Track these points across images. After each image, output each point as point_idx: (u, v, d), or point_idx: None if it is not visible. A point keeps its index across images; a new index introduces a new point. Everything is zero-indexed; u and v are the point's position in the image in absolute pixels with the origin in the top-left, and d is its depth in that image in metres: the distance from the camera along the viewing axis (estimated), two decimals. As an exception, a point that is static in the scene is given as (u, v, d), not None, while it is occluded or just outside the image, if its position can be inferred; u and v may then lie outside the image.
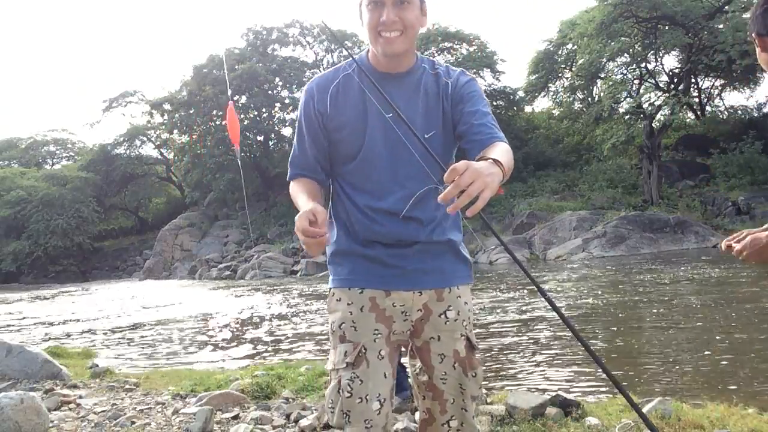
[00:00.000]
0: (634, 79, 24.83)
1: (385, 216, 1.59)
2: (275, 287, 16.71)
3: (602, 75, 25.46)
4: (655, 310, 7.89)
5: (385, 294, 1.59)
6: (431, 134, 1.59)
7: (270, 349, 7.35)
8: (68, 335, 9.50)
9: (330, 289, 1.68)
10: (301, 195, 1.60)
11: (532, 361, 5.61)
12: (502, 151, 1.46)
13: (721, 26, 20.94)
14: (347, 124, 1.61)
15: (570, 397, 3.38)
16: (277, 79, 33.88)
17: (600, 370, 1.28)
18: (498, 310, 8.87)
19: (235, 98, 32.99)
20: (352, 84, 1.62)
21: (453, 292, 1.65)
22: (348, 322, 1.58)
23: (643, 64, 24.29)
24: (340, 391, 1.55)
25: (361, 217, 1.61)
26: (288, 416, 3.52)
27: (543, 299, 1.38)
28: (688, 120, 28.92)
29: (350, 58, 1.64)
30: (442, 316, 1.62)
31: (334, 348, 1.61)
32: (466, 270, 1.70)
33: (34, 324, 11.38)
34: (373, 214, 1.60)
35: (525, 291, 10.83)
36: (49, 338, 9.12)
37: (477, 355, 1.69)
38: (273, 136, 34.68)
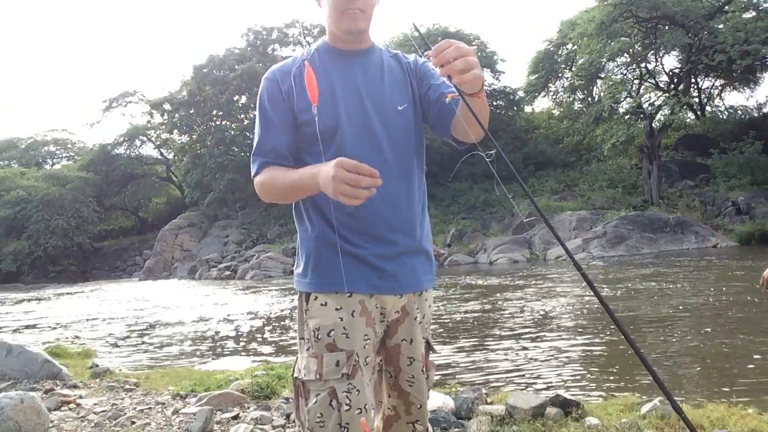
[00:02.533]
0: (634, 79, 24.86)
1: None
2: (275, 287, 16.72)
3: (602, 75, 25.47)
4: (654, 310, 7.89)
5: (369, 296, 1.54)
6: (403, 107, 1.58)
7: (270, 349, 7.35)
8: (68, 335, 9.50)
9: (306, 293, 1.56)
10: (290, 172, 1.50)
11: (532, 361, 5.61)
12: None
13: (721, 26, 20.95)
14: (319, 100, 1.53)
15: (570, 397, 3.38)
16: (277, 79, 33.86)
17: (645, 370, 1.28)
18: (497, 311, 8.88)
19: (235, 98, 33.04)
20: (313, 66, 1.54)
21: (423, 295, 1.65)
22: (338, 329, 1.49)
23: (643, 64, 24.31)
24: (334, 404, 1.45)
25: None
26: (288, 416, 3.52)
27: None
28: (688, 120, 28.94)
29: (308, 46, 1.65)
30: (415, 319, 1.63)
31: (315, 356, 1.49)
32: (432, 273, 1.70)
33: (35, 324, 11.38)
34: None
35: (524, 291, 10.83)
36: (50, 338, 9.12)
37: (431, 357, 1.71)
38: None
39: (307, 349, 1.53)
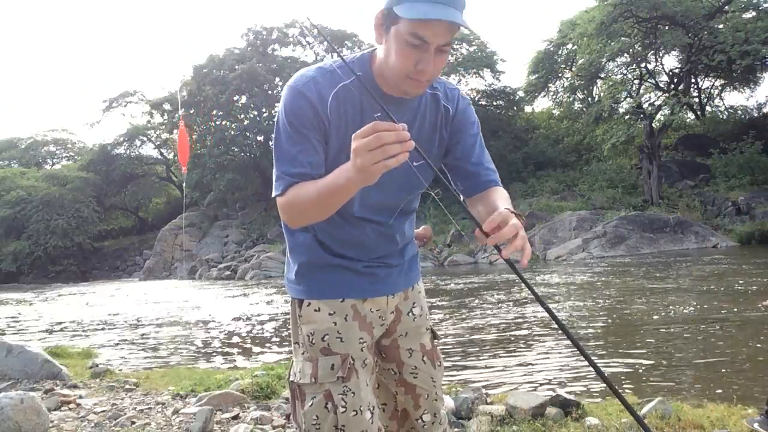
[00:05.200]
0: (634, 79, 24.86)
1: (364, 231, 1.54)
2: (275, 288, 16.71)
3: (602, 75, 25.47)
4: (654, 311, 7.89)
5: (362, 301, 1.55)
6: (420, 163, 1.37)
7: (270, 348, 7.36)
8: (68, 335, 9.51)
9: (299, 299, 1.56)
10: (318, 180, 1.33)
11: (533, 361, 5.61)
12: (508, 201, 1.46)
13: (721, 26, 20.96)
14: (347, 143, 1.34)
15: (570, 397, 3.38)
16: (277, 79, 33.87)
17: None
18: (498, 310, 8.88)
19: (235, 98, 33.05)
20: (351, 98, 1.40)
21: (415, 288, 1.68)
22: (332, 333, 1.50)
23: (643, 64, 24.31)
24: (329, 406, 1.46)
25: (339, 222, 1.51)
26: (288, 416, 3.52)
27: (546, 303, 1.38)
28: (688, 120, 28.95)
29: (353, 61, 1.43)
30: (410, 314, 1.65)
31: (310, 360, 1.51)
32: (418, 266, 1.74)
33: (34, 324, 11.38)
34: (356, 221, 1.52)
35: (524, 291, 10.83)
36: (50, 338, 9.12)
37: (438, 345, 1.74)
38: (273, 136, 34.67)
39: (302, 353, 1.54)
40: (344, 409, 1.46)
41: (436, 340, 1.72)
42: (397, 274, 1.62)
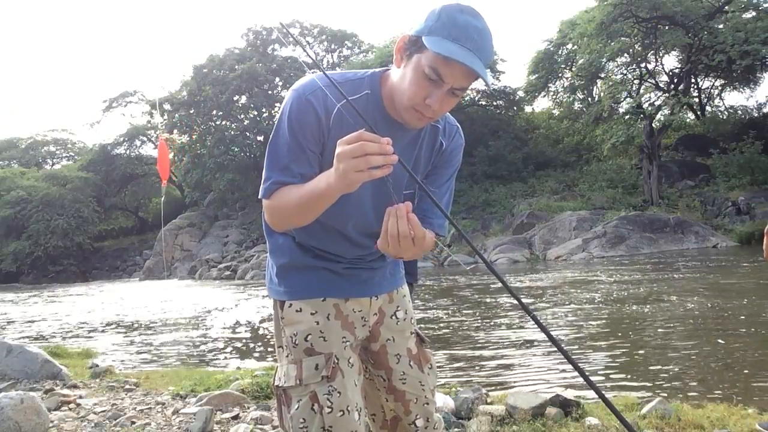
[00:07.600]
0: (634, 79, 24.85)
1: (345, 244, 1.54)
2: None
3: (602, 75, 25.46)
4: (654, 311, 7.89)
5: (345, 300, 1.55)
6: (410, 192, 1.48)
7: (269, 348, 7.35)
8: (68, 335, 9.50)
9: (280, 300, 1.54)
10: (302, 185, 1.34)
11: (532, 361, 5.61)
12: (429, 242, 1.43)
13: (721, 26, 20.96)
14: None
15: (570, 397, 3.38)
16: (277, 79, 33.93)
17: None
18: (497, 310, 8.88)
19: (235, 98, 33.04)
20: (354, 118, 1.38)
21: (399, 292, 1.68)
22: (315, 333, 1.49)
23: (643, 64, 24.30)
24: (315, 407, 1.44)
25: (320, 235, 1.52)
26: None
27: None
28: (688, 120, 28.94)
29: (363, 77, 1.44)
30: (393, 317, 1.64)
31: (295, 362, 1.49)
32: (402, 270, 1.74)
33: (35, 324, 11.38)
34: (339, 238, 1.52)
35: (523, 291, 10.83)
36: (50, 338, 9.12)
37: (428, 348, 1.72)
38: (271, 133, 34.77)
39: (287, 356, 1.53)
40: (330, 410, 1.43)
41: (423, 344, 1.70)
42: (380, 276, 1.61)
